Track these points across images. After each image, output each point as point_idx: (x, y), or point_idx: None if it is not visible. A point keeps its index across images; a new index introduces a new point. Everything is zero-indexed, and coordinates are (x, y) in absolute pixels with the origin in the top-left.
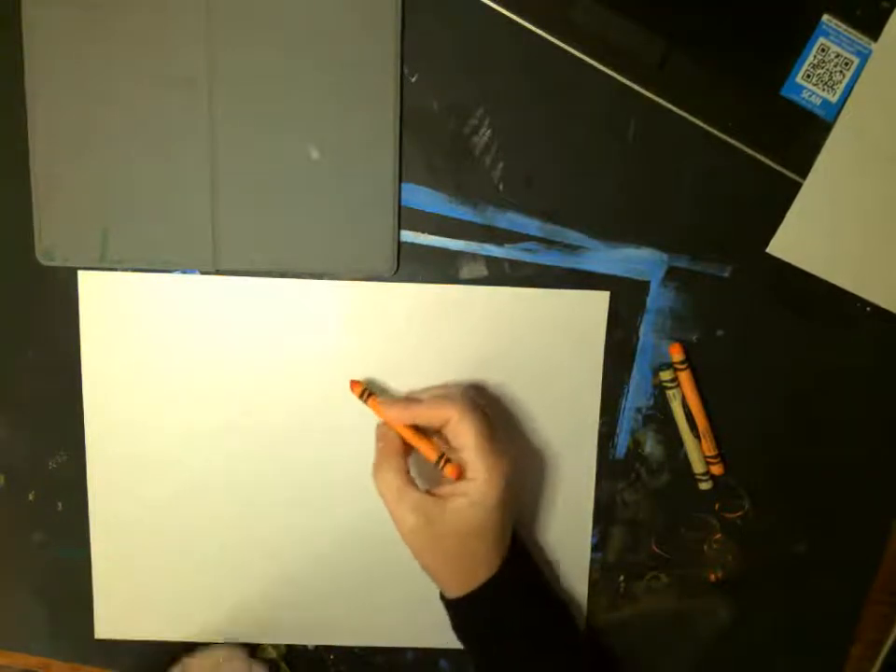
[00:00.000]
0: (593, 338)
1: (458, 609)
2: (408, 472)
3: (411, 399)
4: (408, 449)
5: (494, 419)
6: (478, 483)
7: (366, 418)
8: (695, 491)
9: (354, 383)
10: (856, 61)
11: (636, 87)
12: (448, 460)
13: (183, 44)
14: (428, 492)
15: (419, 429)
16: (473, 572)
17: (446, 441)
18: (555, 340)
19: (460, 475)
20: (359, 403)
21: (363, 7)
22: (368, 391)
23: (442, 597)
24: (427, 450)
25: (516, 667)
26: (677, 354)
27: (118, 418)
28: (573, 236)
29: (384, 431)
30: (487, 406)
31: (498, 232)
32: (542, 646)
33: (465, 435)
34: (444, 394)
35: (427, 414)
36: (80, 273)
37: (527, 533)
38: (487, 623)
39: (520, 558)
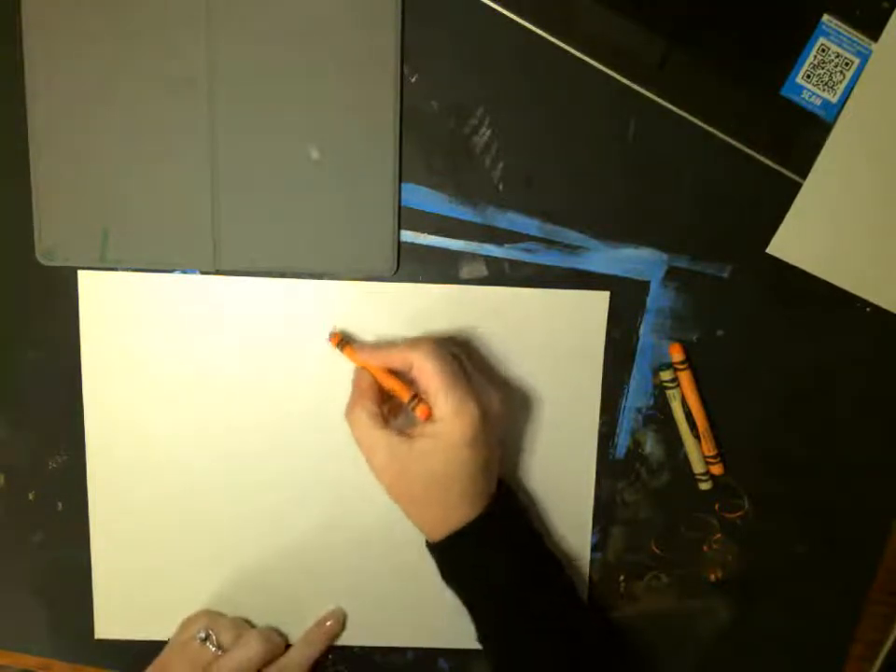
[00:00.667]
0: (593, 338)
1: (439, 553)
2: (380, 413)
3: (382, 344)
4: (383, 393)
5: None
6: (444, 423)
7: None
8: (695, 491)
9: (333, 334)
10: (856, 61)
11: (636, 87)
12: (420, 401)
13: (183, 44)
14: (401, 433)
15: (396, 375)
16: (449, 515)
17: (416, 385)
18: (555, 340)
19: (430, 416)
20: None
21: (363, 6)
22: (344, 340)
23: (427, 543)
24: (399, 390)
25: (505, 611)
26: (677, 354)
27: (118, 418)
28: (573, 236)
29: (358, 374)
30: (462, 353)
31: (498, 232)
32: (530, 587)
33: (428, 376)
34: (412, 339)
35: (395, 357)
36: (80, 273)
37: None
38: (469, 566)
39: (505, 505)
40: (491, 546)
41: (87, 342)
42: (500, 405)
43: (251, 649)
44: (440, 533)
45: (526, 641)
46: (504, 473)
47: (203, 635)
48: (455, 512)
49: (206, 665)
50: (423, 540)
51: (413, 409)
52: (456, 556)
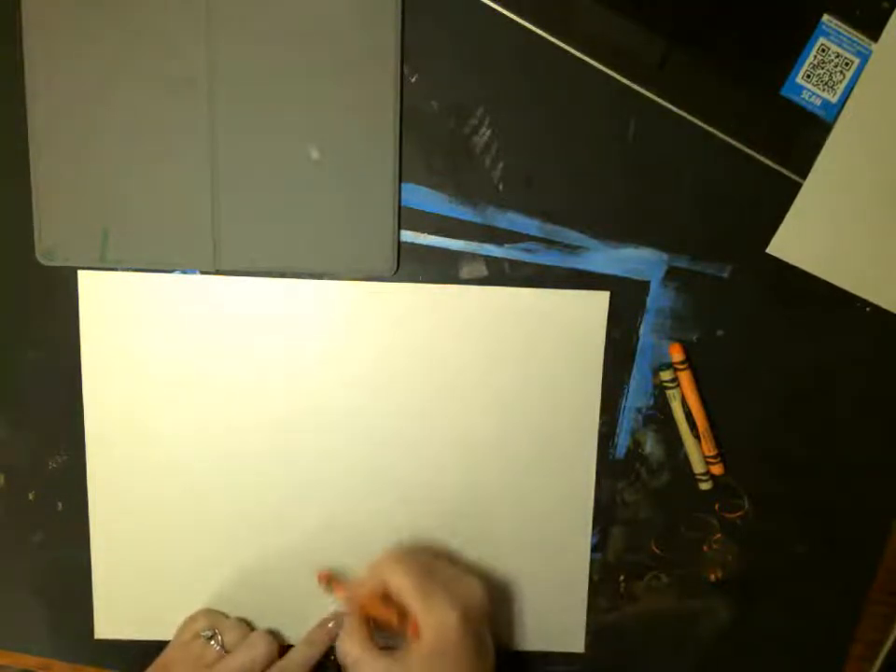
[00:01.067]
0: (593, 338)
1: None
2: (371, 639)
3: (360, 579)
4: (371, 622)
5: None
6: (431, 630)
7: (366, 418)
8: (695, 491)
9: (321, 575)
10: (856, 61)
11: (636, 87)
12: (407, 622)
13: (183, 44)
14: (395, 652)
15: (385, 602)
16: None
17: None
18: (555, 340)
19: (419, 632)
20: (361, 399)
21: (363, 7)
22: (332, 578)
23: None
24: (386, 619)
25: None
26: (677, 354)
27: (118, 418)
28: (573, 236)
29: (349, 607)
30: (431, 554)
31: (498, 232)
32: None
33: (402, 592)
34: (379, 559)
35: (371, 585)
36: (80, 273)
37: (527, 534)
38: None
39: None
40: None
41: (87, 342)
42: (481, 591)
43: (256, 650)
44: None
45: None
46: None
47: (208, 633)
48: None
49: (209, 665)
50: (423, 540)
51: (406, 633)
52: None
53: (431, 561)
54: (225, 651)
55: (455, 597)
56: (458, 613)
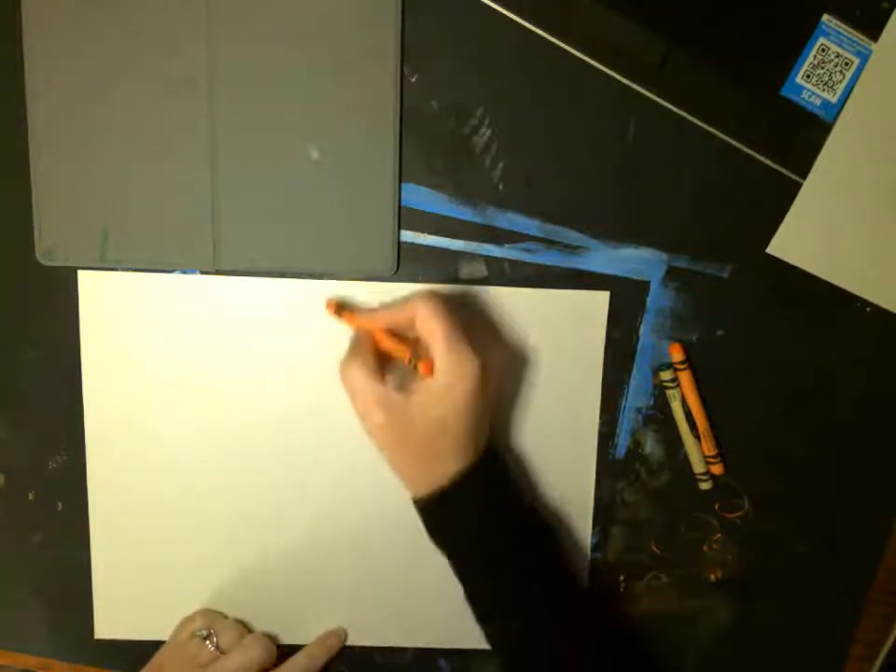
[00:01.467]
0: (593, 338)
1: (427, 509)
2: (376, 369)
3: (381, 306)
4: (381, 352)
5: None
6: (445, 376)
7: None
8: (695, 491)
9: (329, 302)
10: (856, 61)
11: (636, 87)
12: (420, 358)
13: (183, 44)
14: (396, 388)
15: (396, 336)
16: (438, 469)
17: (417, 341)
18: (555, 340)
19: (432, 371)
20: None
21: (363, 6)
22: (341, 306)
23: (413, 501)
24: (398, 350)
25: (488, 569)
26: (677, 354)
27: (118, 418)
28: (573, 236)
29: (355, 336)
30: (465, 309)
31: (498, 232)
32: (513, 545)
33: (431, 331)
34: (412, 296)
35: (396, 315)
36: (80, 273)
37: None
38: (453, 522)
39: (491, 464)
40: (474, 502)
41: (87, 342)
42: (501, 362)
43: (252, 652)
44: (424, 487)
45: (510, 599)
46: (496, 439)
47: (204, 633)
48: (441, 466)
49: (204, 665)
50: (423, 540)
51: (415, 366)
52: (441, 511)
53: (470, 316)
54: (221, 651)
55: (479, 355)
56: (479, 369)
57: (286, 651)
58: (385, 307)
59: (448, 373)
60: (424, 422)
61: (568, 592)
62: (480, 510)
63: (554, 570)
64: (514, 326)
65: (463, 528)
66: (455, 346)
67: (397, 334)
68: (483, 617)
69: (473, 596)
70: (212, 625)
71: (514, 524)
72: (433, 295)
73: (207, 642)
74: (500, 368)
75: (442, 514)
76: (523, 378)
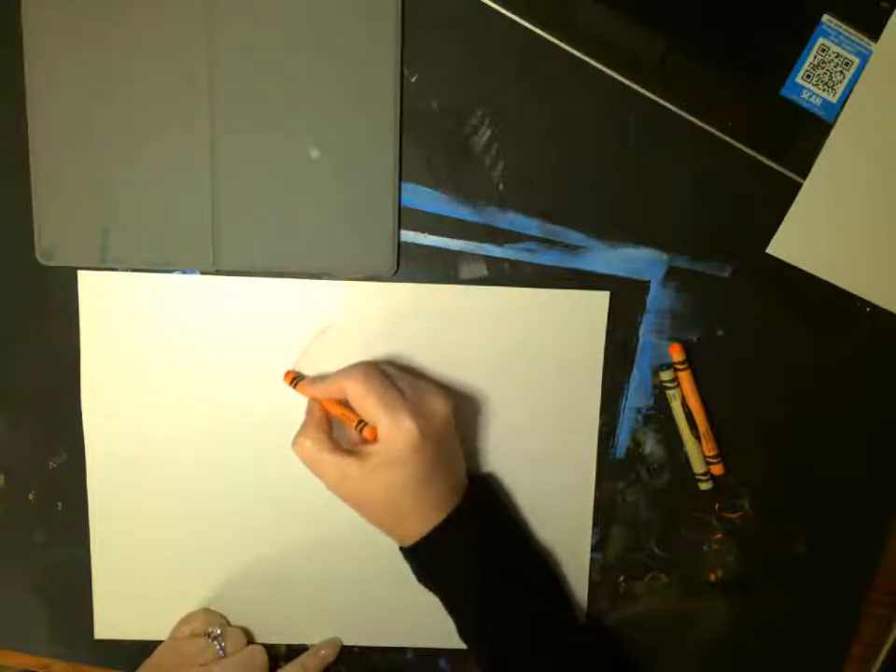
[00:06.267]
0: (593, 338)
1: (410, 558)
2: (326, 439)
3: (323, 377)
4: (330, 421)
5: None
6: (387, 439)
7: None
8: (695, 491)
9: (287, 373)
10: (856, 61)
11: (636, 87)
12: (366, 424)
13: (183, 44)
14: (350, 453)
15: (344, 403)
16: (413, 524)
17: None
18: (555, 340)
19: (376, 436)
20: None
21: (363, 7)
22: (297, 378)
23: (399, 548)
24: (346, 418)
25: (480, 610)
26: (677, 354)
27: (117, 418)
28: (573, 236)
29: (308, 406)
30: (394, 368)
31: (498, 232)
32: (505, 585)
33: (361, 400)
34: (345, 367)
35: (331, 387)
36: (80, 273)
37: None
38: (441, 568)
39: (476, 502)
40: (461, 546)
41: (87, 342)
42: (444, 406)
43: (254, 662)
44: (410, 538)
45: (504, 640)
46: (475, 468)
47: (216, 632)
48: (414, 521)
49: (202, 665)
50: None
51: (361, 432)
52: (427, 559)
53: (395, 374)
54: (224, 654)
55: (416, 408)
56: (418, 424)
57: (280, 655)
58: (325, 378)
59: (388, 438)
60: (381, 486)
61: (566, 625)
62: (466, 550)
63: (549, 605)
64: (514, 326)
65: (449, 570)
66: (388, 411)
67: (345, 402)
68: (475, 652)
69: (464, 631)
70: (219, 627)
71: (505, 559)
72: (361, 366)
73: (216, 642)
74: (445, 408)
75: (427, 561)
76: (522, 378)
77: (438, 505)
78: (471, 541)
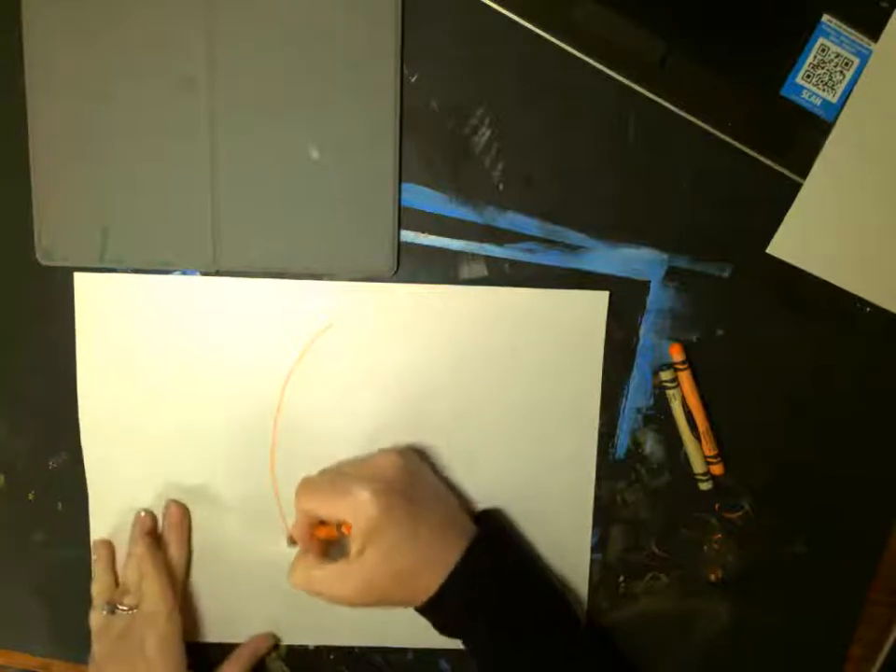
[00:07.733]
0: (593, 338)
1: (426, 614)
2: (315, 558)
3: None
4: (317, 544)
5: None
6: (356, 522)
7: (365, 418)
8: (695, 491)
9: (289, 537)
10: (856, 61)
11: (636, 87)
12: (341, 524)
13: (183, 44)
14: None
15: (322, 523)
16: (425, 579)
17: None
18: (555, 340)
19: (333, 534)
20: (360, 399)
21: (363, 6)
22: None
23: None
24: (329, 534)
25: (501, 656)
26: (677, 354)
27: (116, 418)
28: (573, 236)
29: (300, 542)
30: (341, 461)
31: (498, 232)
32: (522, 627)
33: (318, 507)
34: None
35: (300, 518)
36: (76, 275)
37: (528, 533)
38: (456, 619)
39: (482, 549)
40: (472, 593)
41: (82, 343)
42: (395, 457)
43: (156, 584)
44: (421, 600)
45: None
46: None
47: (108, 608)
48: (428, 571)
49: (124, 630)
50: None
51: (342, 532)
52: (441, 614)
53: (336, 466)
54: (133, 608)
55: (366, 475)
56: (374, 487)
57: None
58: (296, 515)
59: (355, 517)
60: (378, 562)
61: (579, 650)
62: (477, 599)
63: (564, 637)
64: (514, 326)
65: (465, 622)
66: (341, 496)
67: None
68: None
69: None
70: (109, 599)
71: (516, 600)
72: (302, 483)
73: (115, 611)
74: (400, 463)
75: (443, 614)
76: (522, 378)
77: (442, 555)
78: (484, 586)
